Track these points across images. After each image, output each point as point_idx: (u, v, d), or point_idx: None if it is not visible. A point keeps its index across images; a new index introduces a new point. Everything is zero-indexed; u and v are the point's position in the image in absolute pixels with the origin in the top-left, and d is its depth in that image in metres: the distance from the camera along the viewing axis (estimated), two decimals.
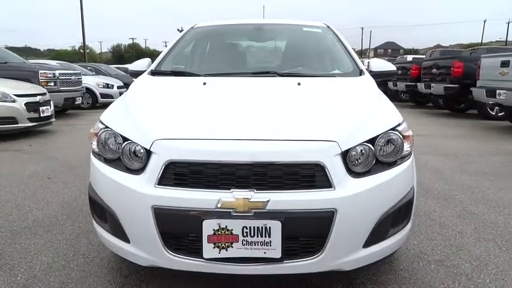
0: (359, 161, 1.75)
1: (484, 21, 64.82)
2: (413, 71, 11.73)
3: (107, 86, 12.55)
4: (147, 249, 1.76)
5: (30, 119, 6.74)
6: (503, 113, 8.58)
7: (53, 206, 3.26)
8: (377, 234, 1.77)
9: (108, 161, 1.92)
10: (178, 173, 1.69)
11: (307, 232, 1.67)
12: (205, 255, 1.64)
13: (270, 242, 1.62)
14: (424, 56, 16.08)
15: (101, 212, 1.94)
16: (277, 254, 1.63)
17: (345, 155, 1.72)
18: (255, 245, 1.63)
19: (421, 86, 10.86)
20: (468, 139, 6.55)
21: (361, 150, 1.76)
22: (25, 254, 2.42)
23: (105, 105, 12.21)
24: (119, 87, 12.85)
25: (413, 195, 1.94)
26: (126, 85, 13.51)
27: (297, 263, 1.67)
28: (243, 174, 1.65)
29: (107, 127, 1.95)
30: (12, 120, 6.52)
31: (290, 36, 3.26)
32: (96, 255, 2.40)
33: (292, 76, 2.49)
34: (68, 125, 8.43)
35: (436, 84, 9.85)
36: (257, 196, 1.61)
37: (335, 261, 1.71)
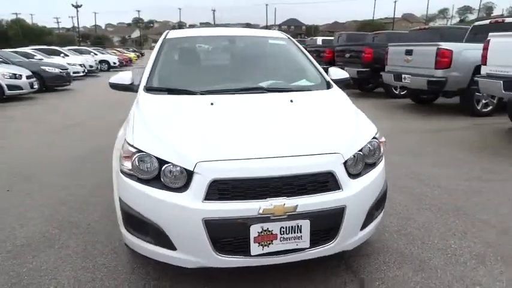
0: (354, 165, 2.28)
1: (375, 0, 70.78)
2: (327, 54, 12.80)
3: (14, 76, 11.44)
4: (196, 253, 2.09)
5: None
6: (405, 92, 10.02)
7: (36, 221, 3.28)
8: (368, 219, 2.34)
9: (142, 181, 2.17)
10: (221, 189, 2.04)
11: (327, 225, 2.16)
12: (252, 253, 2.04)
13: (301, 236, 2.08)
14: (331, 38, 17.45)
15: (140, 226, 2.19)
16: (307, 245, 2.11)
17: (345, 162, 2.22)
18: (289, 240, 2.07)
19: None
20: (382, 120, 7.60)
21: (356, 157, 2.28)
22: (43, 271, 2.54)
23: (13, 98, 11.28)
24: (28, 77, 11.79)
25: (387, 185, 2.55)
26: (35, 74, 12.46)
27: (319, 249, 2.16)
28: (275, 185, 2.06)
29: (140, 151, 2.18)
30: None
31: (261, 49, 3.65)
32: (115, 263, 2.61)
33: (279, 92, 2.90)
34: None
35: (349, 68, 10.95)
36: (289, 202, 2.05)
37: (343, 243, 2.24)
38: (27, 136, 6.67)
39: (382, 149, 2.49)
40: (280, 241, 2.07)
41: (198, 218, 2.01)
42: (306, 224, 2.07)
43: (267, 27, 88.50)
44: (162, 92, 2.87)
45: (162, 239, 2.13)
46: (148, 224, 2.14)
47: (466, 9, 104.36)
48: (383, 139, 2.52)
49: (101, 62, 24.67)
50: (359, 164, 2.30)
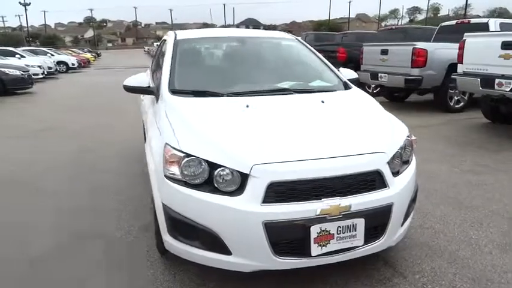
0: (395, 163, 2.35)
1: (330, 0, 72.58)
2: None
3: None
4: (254, 257, 2.08)
5: None
6: (378, 90, 10.39)
7: (47, 231, 3.10)
8: (407, 215, 2.43)
9: (191, 186, 2.13)
10: (278, 191, 2.04)
11: (378, 222, 2.22)
12: (313, 254, 2.06)
13: (356, 234, 2.13)
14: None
15: (190, 232, 2.16)
16: (361, 243, 2.16)
17: (388, 161, 2.29)
18: (345, 239, 2.11)
19: None
20: None
21: (396, 155, 2.36)
22: (77, 285, 2.42)
23: None
24: None
25: (417, 183, 2.65)
26: None
27: (370, 246, 2.22)
28: (329, 186, 2.10)
29: (189, 155, 2.13)
30: None
31: (274, 50, 3.66)
32: (152, 271, 2.53)
33: (304, 93, 2.93)
34: None
35: None
36: (343, 202, 2.08)
37: (389, 240, 2.31)
38: None
39: (413, 147, 2.59)
40: (337, 240, 2.10)
41: (258, 221, 2.00)
42: (360, 223, 2.12)
43: (225, 27, 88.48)
44: (187, 94, 2.80)
45: (215, 244, 2.10)
46: (200, 229, 2.11)
47: (415, 10, 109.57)
48: (414, 137, 2.62)
49: (59, 63, 23.51)
50: (399, 162, 2.38)
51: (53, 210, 3.54)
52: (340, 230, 2.09)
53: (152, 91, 3.06)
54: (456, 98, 8.10)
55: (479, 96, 7.01)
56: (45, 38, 76.87)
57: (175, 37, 3.48)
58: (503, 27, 7.88)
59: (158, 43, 4.61)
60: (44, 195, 3.90)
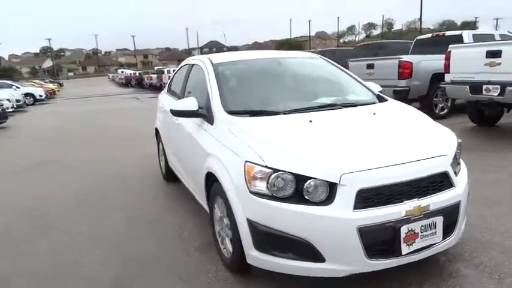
0: (454, 164, 2.57)
1: (290, 20, 74.99)
2: None
3: None
4: (347, 262, 2.20)
5: None
6: None
7: (107, 262, 3.08)
8: (465, 211, 2.64)
9: (279, 199, 2.25)
10: (365, 197, 2.19)
11: (451, 219, 2.41)
12: (403, 252, 2.22)
13: (436, 232, 2.31)
14: None
15: (281, 243, 2.26)
16: (439, 239, 2.34)
17: (451, 162, 2.50)
18: (427, 236, 2.29)
19: None
20: None
21: (453, 157, 2.58)
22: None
23: None
24: None
25: None
26: None
27: (445, 242, 2.40)
28: (408, 189, 2.27)
29: (276, 170, 2.25)
30: None
31: (307, 68, 3.87)
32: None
33: (351, 107, 3.12)
34: None
35: None
36: (422, 202, 2.27)
37: (458, 235, 2.51)
38: None
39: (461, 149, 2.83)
40: (421, 239, 2.27)
41: (353, 227, 2.14)
42: (439, 220, 2.31)
43: (189, 50, 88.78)
44: (243, 114, 2.91)
45: (309, 252, 2.21)
46: (293, 240, 2.22)
47: (370, 26, 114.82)
48: (459, 140, 2.86)
49: (26, 95, 22.75)
50: (455, 163, 2.60)
51: (92, 244, 3.51)
52: (423, 229, 2.27)
53: (202, 114, 3.14)
54: (440, 105, 8.62)
55: (464, 102, 7.53)
56: (0, 71, 73.97)
57: (212, 61, 3.59)
58: (476, 38, 8.54)
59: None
60: (77, 232, 3.85)
